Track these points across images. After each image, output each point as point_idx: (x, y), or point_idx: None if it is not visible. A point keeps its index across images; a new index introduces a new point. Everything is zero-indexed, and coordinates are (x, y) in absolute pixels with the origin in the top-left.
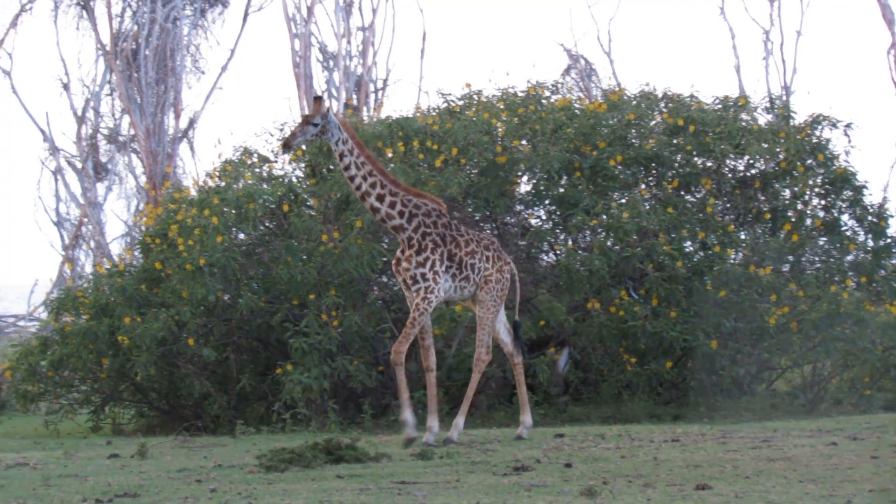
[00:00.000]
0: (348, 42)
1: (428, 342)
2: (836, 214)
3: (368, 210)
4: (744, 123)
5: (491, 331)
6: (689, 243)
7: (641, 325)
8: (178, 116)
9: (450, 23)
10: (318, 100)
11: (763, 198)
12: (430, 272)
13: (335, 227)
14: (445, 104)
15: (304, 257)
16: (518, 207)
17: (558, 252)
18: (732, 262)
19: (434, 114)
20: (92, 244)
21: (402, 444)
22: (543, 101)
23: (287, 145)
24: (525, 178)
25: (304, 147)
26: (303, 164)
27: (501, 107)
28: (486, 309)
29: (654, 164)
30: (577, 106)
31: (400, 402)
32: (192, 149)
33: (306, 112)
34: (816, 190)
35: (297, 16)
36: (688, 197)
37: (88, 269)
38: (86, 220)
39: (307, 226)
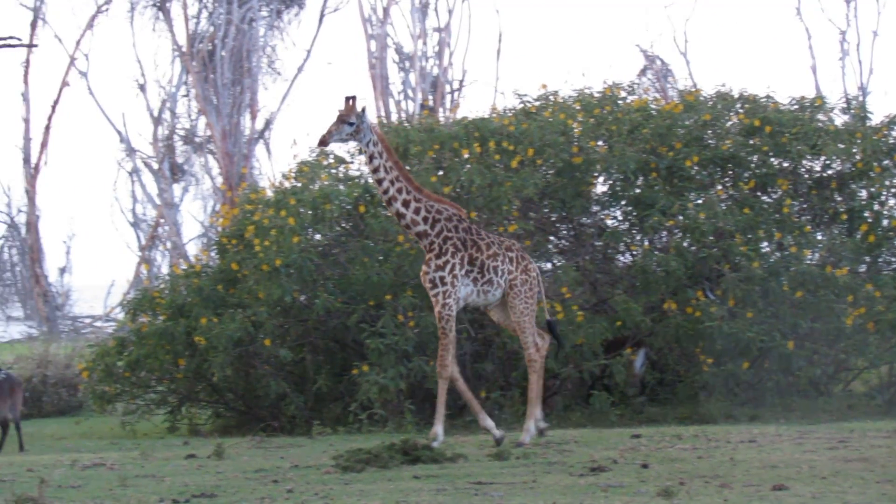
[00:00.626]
0: (424, 43)
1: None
2: None
3: (393, 215)
4: (820, 124)
5: (532, 330)
6: (765, 244)
7: (718, 326)
8: (254, 117)
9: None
10: (352, 99)
11: (839, 198)
12: (449, 276)
13: None
14: (521, 105)
15: (381, 258)
16: (594, 208)
17: (635, 253)
18: (809, 262)
19: (510, 114)
20: (168, 245)
21: (495, 445)
22: (620, 102)
23: (323, 142)
24: (601, 179)
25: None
26: None
27: (577, 107)
28: (521, 313)
29: (730, 165)
30: (653, 107)
31: (472, 412)
32: (268, 150)
33: (353, 113)
34: (893, 190)
35: (373, 17)
36: (764, 198)
37: (165, 269)
38: (162, 220)
39: (383, 226)
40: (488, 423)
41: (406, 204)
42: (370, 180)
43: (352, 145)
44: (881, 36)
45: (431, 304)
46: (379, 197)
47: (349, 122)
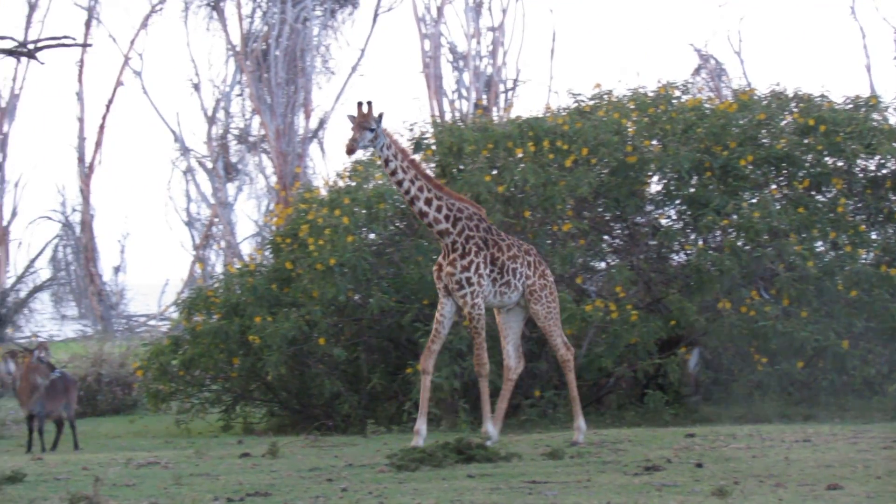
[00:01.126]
0: (478, 42)
1: (435, 347)
2: None
3: (416, 214)
4: (875, 123)
5: (560, 332)
6: (819, 243)
7: (772, 325)
8: (308, 117)
9: (579, 22)
10: (368, 105)
11: (894, 197)
12: (475, 276)
13: None
14: (575, 104)
15: (435, 257)
16: (648, 207)
17: (689, 252)
18: (863, 261)
19: (564, 114)
20: (222, 244)
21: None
22: (674, 101)
23: (351, 150)
24: (655, 178)
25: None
26: (432, 164)
27: (632, 107)
28: (545, 318)
29: (784, 164)
30: (707, 106)
31: (494, 410)
32: (322, 149)
33: (374, 114)
34: None
35: (426, 16)
36: (818, 197)
37: (219, 268)
38: (216, 220)
39: None
40: (491, 430)
41: (428, 202)
42: (391, 182)
43: (406, 145)
44: None
45: (440, 307)
46: (401, 198)
47: (370, 128)
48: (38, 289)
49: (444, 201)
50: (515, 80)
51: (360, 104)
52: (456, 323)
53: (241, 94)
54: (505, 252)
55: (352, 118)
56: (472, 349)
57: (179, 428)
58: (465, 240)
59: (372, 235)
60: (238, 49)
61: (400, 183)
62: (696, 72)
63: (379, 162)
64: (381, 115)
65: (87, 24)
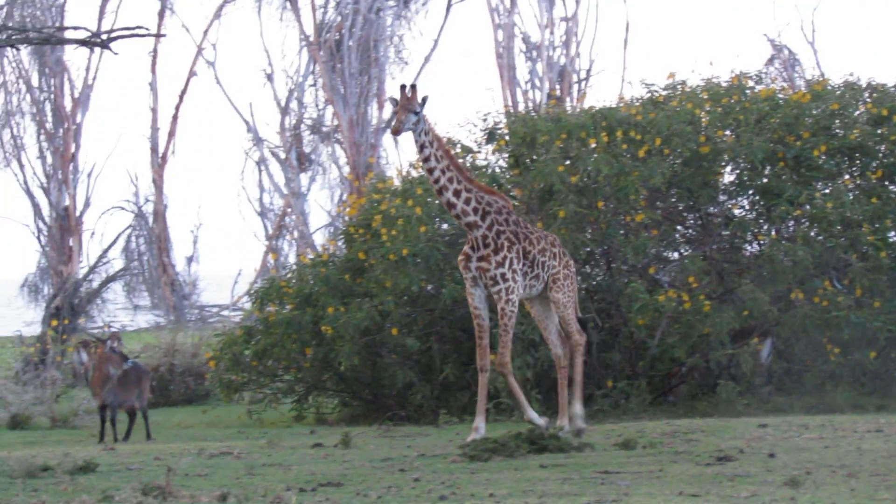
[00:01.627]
0: (551, 32)
1: (485, 342)
2: None
3: (444, 205)
4: None
5: (574, 319)
6: (892, 233)
7: (845, 316)
8: (381, 107)
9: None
10: (412, 88)
11: None
12: (510, 271)
13: (539, 216)
14: (649, 94)
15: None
16: (721, 198)
17: (762, 242)
18: None
19: (637, 104)
20: (295, 234)
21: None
22: (747, 92)
23: (397, 131)
24: (728, 169)
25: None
26: (505, 155)
27: (705, 97)
28: (564, 305)
29: (857, 154)
30: (780, 96)
31: (519, 406)
32: (395, 139)
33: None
34: None
35: (500, 6)
36: (892, 187)
37: (292, 259)
38: (289, 210)
39: None
40: (532, 415)
41: (457, 194)
42: (421, 170)
43: (480, 135)
44: None
45: (470, 299)
46: (430, 186)
47: (415, 111)
48: (110, 279)
49: (474, 194)
50: (589, 71)
51: (403, 87)
52: (528, 313)
53: (314, 85)
54: (535, 245)
55: (394, 101)
56: (496, 345)
57: (252, 418)
58: (495, 234)
59: (444, 226)
60: (311, 39)
61: (431, 171)
62: (770, 62)
63: (415, 147)
64: (424, 100)
65: (161, 15)
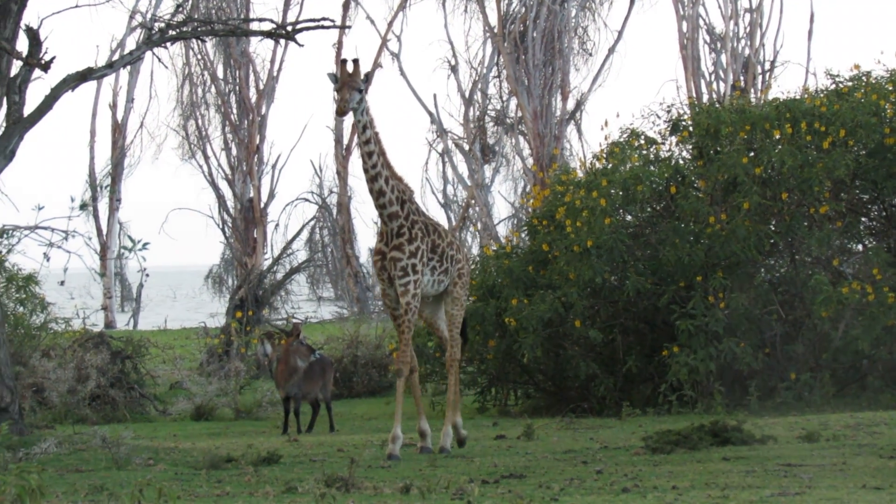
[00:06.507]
0: (736, 24)
1: (409, 340)
2: None
3: (375, 192)
4: None
5: (461, 323)
6: None
7: None
8: (564, 98)
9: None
10: (354, 63)
11: None
12: (420, 264)
13: (722, 208)
14: (833, 85)
15: (691, 239)
16: None
17: None
18: None
19: (822, 95)
20: (479, 226)
21: (387, 456)
22: None
23: (343, 112)
24: None
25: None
26: (689, 146)
27: (890, 88)
28: (461, 306)
29: None
30: None
31: (393, 415)
32: (578, 131)
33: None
34: None
35: None
36: None
37: (475, 250)
38: (473, 201)
39: (694, 207)
40: (425, 426)
41: (387, 181)
42: (362, 151)
43: (663, 126)
44: None
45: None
46: (366, 171)
47: (359, 88)
48: (294, 270)
49: (395, 182)
50: (773, 62)
51: (344, 62)
52: (712, 305)
53: (498, 76)
54: (444, 238)
55: (334, 77)
56: (404, 345)
57: (434, 410)
58: (410, 224)
59: (629, 217)
60: (496, 30)
61: (370, 154)
62: None
63: (357, 128)
64: (368, 76)
65: (345, 6)
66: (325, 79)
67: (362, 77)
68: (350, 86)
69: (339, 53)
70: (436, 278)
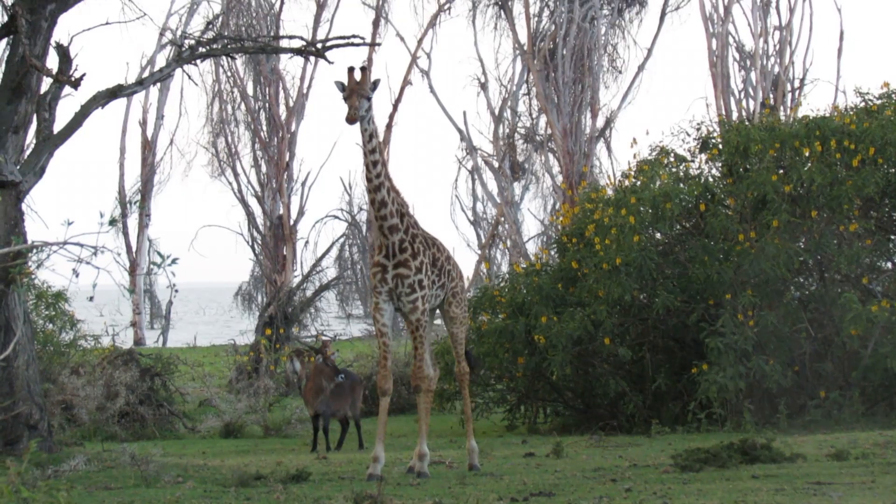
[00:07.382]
0: (765, 41)
1: (389, 364)
2: None
3: (377, 203)
4: None
5: (465, 340)
6: None
7: None
8: (594, 116)
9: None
10: (362, 70)
11: None
12: (427, 279)
13: (752, 226)
14: (863, 103)
15: (721, 256)
16: None
17: None
18: None
19: (851, 113)
20: (508, 243)
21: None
22: None
23: (354, 120)
24: None
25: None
26: (719, 164)
27: None
28: (461, 323)
29: None
30: None
31: (377, 435)
32: (608, 148)
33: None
34: None
35: (714, 15)
36: None
37: (505, 268)
38: (502, 219)
39: (724, 225)
40: (380, 453)
41: (389, 192)
42: (367, 161)
43: (693, 144)
44: None
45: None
46: (369, 181)
47: (367, 96)
48: (324, 288)
49: (394, 194)
50: (802, 80)
51: (351, 69)
52: (741, 323)
53: (527, 93)
54: (442, 252)
55: (341, 85)
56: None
57: (464, 427)
58: (411, 238)
59: (658, 235)
60: (525, 48)
61: (375, 164)
62: None
63: (361, 137)
64: (375, 83)
65: (375, 24)
66: None
67: (370, 85)
68: (358, 93)
69: (369, 71)
70: (434, 293)
